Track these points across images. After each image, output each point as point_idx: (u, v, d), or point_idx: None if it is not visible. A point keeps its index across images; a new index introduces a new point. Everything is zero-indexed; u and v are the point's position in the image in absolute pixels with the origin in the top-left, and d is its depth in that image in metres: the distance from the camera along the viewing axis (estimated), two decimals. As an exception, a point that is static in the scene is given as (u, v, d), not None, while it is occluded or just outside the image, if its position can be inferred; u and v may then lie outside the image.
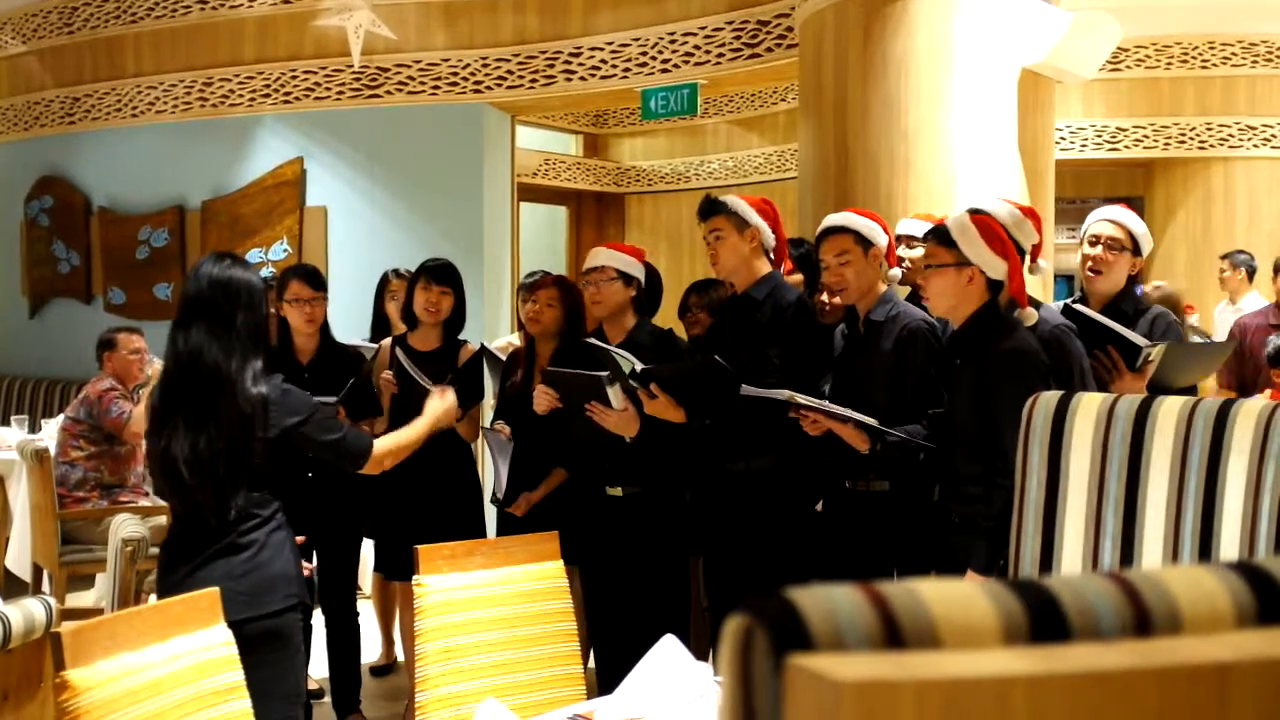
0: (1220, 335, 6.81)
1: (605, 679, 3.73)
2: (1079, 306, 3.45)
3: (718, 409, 3.52)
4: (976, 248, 3.02)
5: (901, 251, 3.88)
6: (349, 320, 5.35)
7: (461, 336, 4.37)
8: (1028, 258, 3.37)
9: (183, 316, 2.78)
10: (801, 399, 3.23)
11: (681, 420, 3.54)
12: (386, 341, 4.44)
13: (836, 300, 3.95)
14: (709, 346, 3.90)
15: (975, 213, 3.17)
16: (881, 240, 3.44)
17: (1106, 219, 3.55)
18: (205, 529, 2.73)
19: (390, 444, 3.04)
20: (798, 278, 4.25)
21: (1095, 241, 3.52)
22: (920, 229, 3.71)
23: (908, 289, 3.95)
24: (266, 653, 2.67)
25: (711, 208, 3.62)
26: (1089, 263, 3.53)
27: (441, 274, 4.23)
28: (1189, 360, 3.49)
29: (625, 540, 3.83)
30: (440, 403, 3.26)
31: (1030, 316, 3.08)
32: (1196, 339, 5.63)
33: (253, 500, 2.76)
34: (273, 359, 2.92)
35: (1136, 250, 3.53)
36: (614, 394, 3.61)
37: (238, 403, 2.71)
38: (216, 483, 2.70)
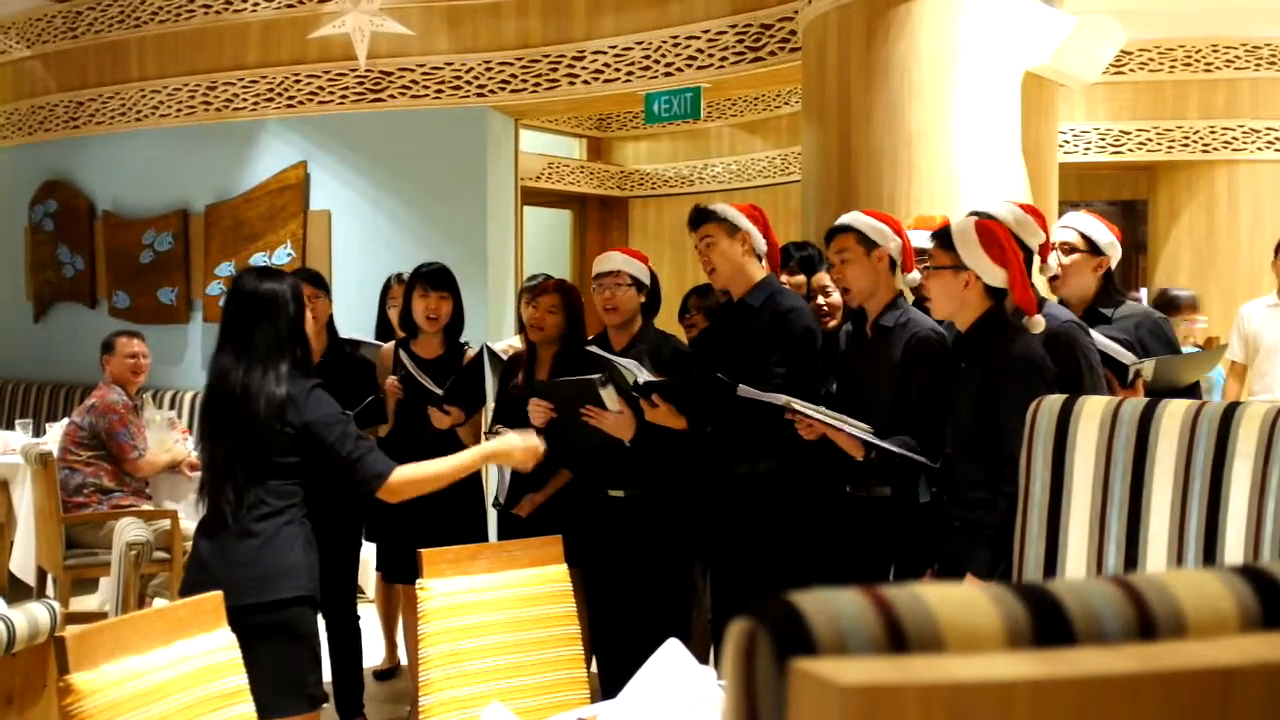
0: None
1: (607, 682, 3.73)
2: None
3: (719, 418, 3.53)
4: (974, 253, 3.00)
5: None
6: (351, 324, 5.36)
7: (463, 339, 4.37)
8: (1036, 257, 3.38)
9: (218, 340, 2.95)
10: (797, 404, 3.23)
11: (683, 428, 3.55)
12: (388, 347, 4.42)
13: (834, 300, 3.96)
14: (701, 351, 3.89)
15: (980, 217, 3.17)
16: (889, 243, 3.42)
17: (1060, 225, 3.67)
18: (223, 515, 2.85)
19: (414, 474, 2.92)
20: (799, 279, 4.25)
21: (1052, 248, 3.62)
22: (922, 239, 3.72)
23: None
24: (271, 641, 2.73)
25: (701, 216, 3.65)
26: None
27: (438, 279, 4.20)
28: (1183, 366, 3.52)
29: (627, 543, 3.83)
30: (510, 440, 3.09)
31: (1037, 324, 3.06)
32: (1189, 350, 5.54)
33: (272, 490, 2.84)
34: (309, 365, 2.96)
35: (1094, 250, 3.56)
36: (608, 396, 3.61)
37: (256, 406, 2.81)
38: (234, 479, 2.83)
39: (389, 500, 2.96)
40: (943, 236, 3.08)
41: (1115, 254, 3.62)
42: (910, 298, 3.60)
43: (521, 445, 3.07)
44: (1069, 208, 4.54)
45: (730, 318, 3.69)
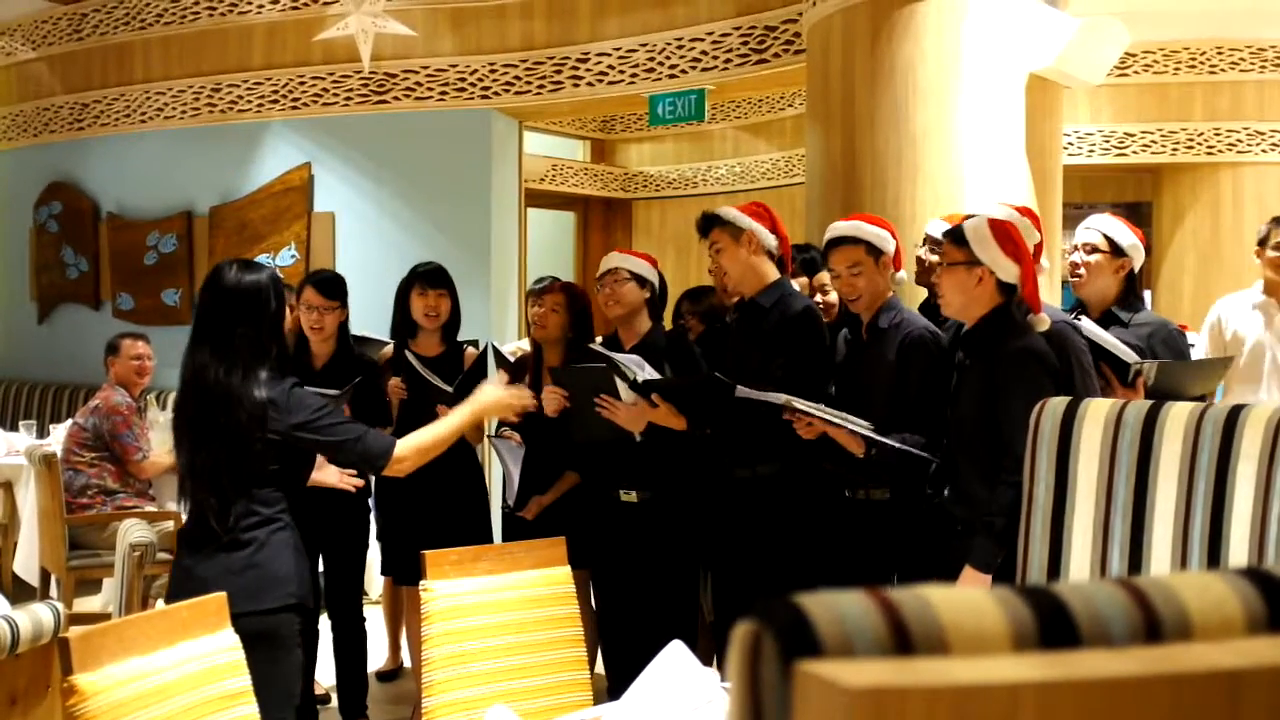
0: None
1: (614, 684, 3.73)
2: (1077, 320, 3.48)
3: (718, 418, 3.53)
4: (988, 249, 3.02)
5: (922, 253, 3.90)
6: (356, 326, 5.35)
7: (465, 339, 4.38)
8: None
9: (193, 334, 2.84)
10: (798, 403, 3.23)
11: (683, 428, 3.54)
12: (389, 349, 4.44)
13: (830, 299, 3.98)
14: (708, 351, 3.91)
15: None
16: (890, 247, 3.44)
17: (1084, 226, 3.67)
18: (210, 525, 2.77)
19: (416, 442, 2.89)
20: (802, 280, 4.26)
21: (1075, 249, 3.65)
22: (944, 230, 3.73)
23: (924, 293, 3.95)
24: (259, 651, 2.66)
25: (708, 223, 3.66)
26: (1073, 269, 3.65)
27: (436, 278, 4.24)
28: (1187, 375, 3.51)
29: (636, 545, 3.83)
30: (492, 390, 3.10)
31: (1043, 322, 3.07)
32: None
33: (258, 498, 2.77)
34: (288, 360, 2.92)
35: (1117, 252, 3.57)
36: (622, 386, 3.61)
37: (239, 413, 2.73)
38: (219, 490, 2.75)
39: (398, 474, 2.90)
40: (956, 234, 3.11)
41: (1138, 256, 3.62)
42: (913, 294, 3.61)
43: (505, 394, 3.13)
44: (1073, 210, 4.54)
45: (742, 317, 3.70)
